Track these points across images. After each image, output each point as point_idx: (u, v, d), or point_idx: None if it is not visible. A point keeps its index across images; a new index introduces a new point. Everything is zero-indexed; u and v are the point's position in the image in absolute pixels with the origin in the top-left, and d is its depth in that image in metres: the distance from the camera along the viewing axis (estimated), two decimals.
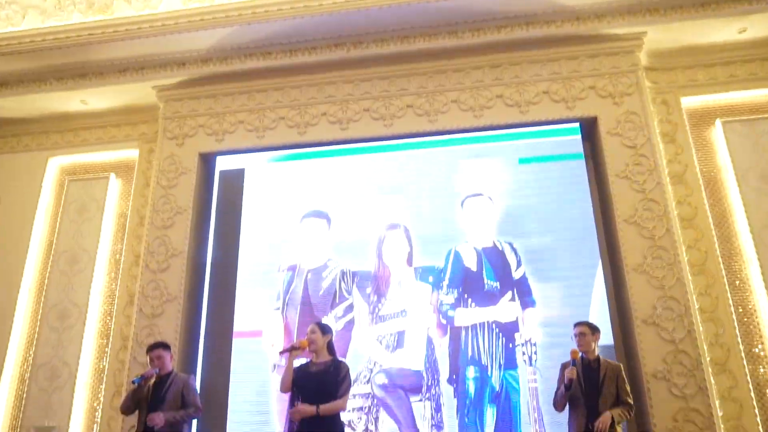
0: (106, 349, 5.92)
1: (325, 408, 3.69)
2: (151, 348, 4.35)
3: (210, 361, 5.36)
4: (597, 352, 4.15)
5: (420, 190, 5.59)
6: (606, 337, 4.92)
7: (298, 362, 3.96)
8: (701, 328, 4.90)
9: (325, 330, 4.02)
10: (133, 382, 4.11)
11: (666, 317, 4.86)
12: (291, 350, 3.92)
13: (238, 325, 5.40)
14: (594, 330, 4.18)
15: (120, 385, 5.64)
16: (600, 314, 4.97)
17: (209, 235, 5.82)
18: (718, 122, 5.65)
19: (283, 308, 5.40)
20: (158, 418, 4.02)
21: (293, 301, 5.40)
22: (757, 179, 5.38)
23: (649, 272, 5.02)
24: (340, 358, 4.07)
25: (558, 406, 4.10)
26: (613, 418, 3.88)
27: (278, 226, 5.68)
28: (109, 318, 6.09)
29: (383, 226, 5.52)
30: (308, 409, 3.67)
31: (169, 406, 4.15)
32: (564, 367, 4.16)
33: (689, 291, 4.93)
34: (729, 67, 5.78)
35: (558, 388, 4.13)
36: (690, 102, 5.76)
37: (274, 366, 5.23)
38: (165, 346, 4.40)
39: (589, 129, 5.61)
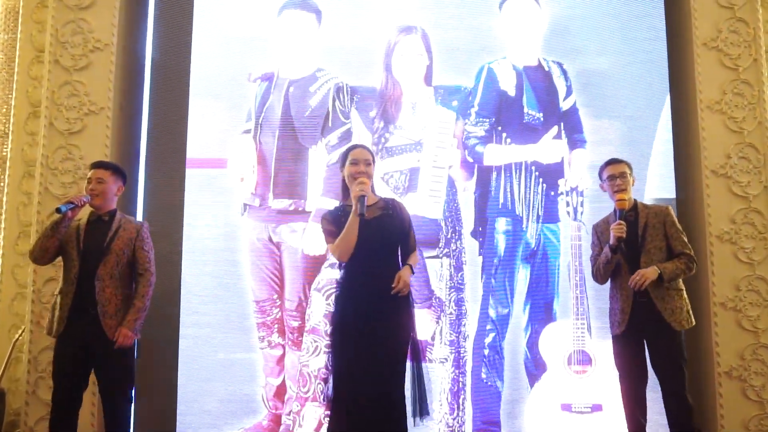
0: (2, 176, 4.41)
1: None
2: (97, 165, 3.04)
3: (155, 199, 3.99)
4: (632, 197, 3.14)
5: None
6: (669, 190, 4.03)
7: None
8: None
9: (373, 157, 2.84)
10: (59, 210, 2.76)
11: (741, 168, 3.97)
12: (361, 200, 2.61)
13: (192, 151, 3.99)
14: (631, 168, 3.19)
15: (27, 224, 4.20)
16: (663, 159, 4.01)
17: (148, 22, 4.16)
18: None
19: (255, 131, 4.01)
20: (128, 339, 2.87)
21: (269, 122, 4.01)
22: None
23: (726, 112, 4.02)
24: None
25: (600, 277, 3.14)
26: (661, 275, 2.91)
27: (247, 18, 4.11)
28: (2, 135, 4.49)
29: (393, 28, 4.08)
30: (408, 274, 2.70)
31: (116, 260, 2.90)
32: (598, 227, 3.20)
33: None
34: None
35: (595, 254, 3.18)
36: None
37: (245, 207, 3.97)
38: (118, 171, 3.08)
39: None
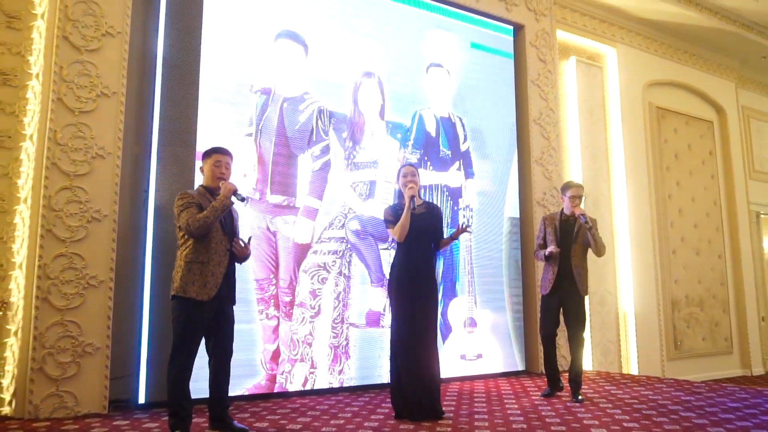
0: None
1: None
2: (225, 152, 3.52)
3: (165, 188, 4.31)
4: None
5: (394, 47, 5.49)
6: (515, 211, 6.08)
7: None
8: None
9: (418, 171, 4.01)
10: (244, 200, 3.32)
11: (550, 202, 6.28)
12: (412, 199, 3.85)
13: (202, 146, 4.44)
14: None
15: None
16: (514, 189, 6.07)
17: (159, 19, 4.43)
18: (573, 58, 7.20)
19: (256, 135, 4.68)
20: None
21: (267, 130, 4.73)
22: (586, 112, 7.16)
23: (544, 165, 6.32)
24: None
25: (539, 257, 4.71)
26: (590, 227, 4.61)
27: (248, 40, 4.75)
28: None
29: (359, 71, 5.26)
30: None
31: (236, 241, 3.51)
32: (546, 219, 4.73)
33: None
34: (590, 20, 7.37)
35: (540, 238, 4.74)
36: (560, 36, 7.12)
37: (246, 199, 4.57)
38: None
39: (519, 35, 6.44)
